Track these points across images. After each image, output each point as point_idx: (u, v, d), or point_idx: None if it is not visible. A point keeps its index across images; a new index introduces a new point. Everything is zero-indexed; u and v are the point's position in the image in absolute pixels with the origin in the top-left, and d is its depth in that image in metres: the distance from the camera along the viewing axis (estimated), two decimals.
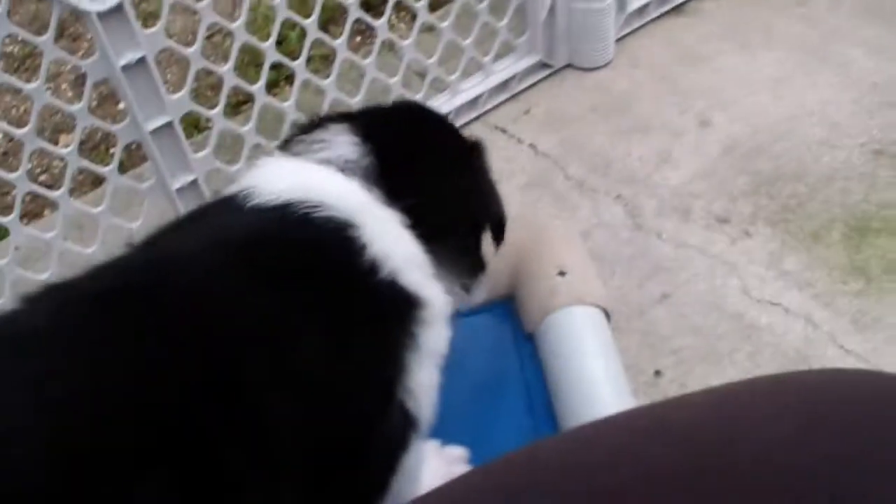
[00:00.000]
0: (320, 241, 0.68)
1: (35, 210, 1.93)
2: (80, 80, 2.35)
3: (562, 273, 1.06)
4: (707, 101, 1.85)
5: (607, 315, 1.05)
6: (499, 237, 0.93)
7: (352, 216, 0.69)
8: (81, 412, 0.53)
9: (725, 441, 0.52)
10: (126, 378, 0.56)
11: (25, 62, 2.44)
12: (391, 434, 0.71)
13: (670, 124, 1.80)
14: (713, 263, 1.51)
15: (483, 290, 0.93)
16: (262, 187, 0.71)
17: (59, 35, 2.48)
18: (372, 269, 0.68)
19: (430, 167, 0.84)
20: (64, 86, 2.37)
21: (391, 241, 0.72)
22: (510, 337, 1.08)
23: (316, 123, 0.85)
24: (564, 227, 1.14)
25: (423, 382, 0.72)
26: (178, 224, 0.75)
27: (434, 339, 0.73)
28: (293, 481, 0.62)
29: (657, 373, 1.36)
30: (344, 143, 0.80)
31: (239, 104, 2.09)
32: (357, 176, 0.76)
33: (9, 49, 2.49)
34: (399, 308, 0.70)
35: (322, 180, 0.75)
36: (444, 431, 0.98)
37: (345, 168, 0.77)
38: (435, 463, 0.93)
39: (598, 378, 0.98)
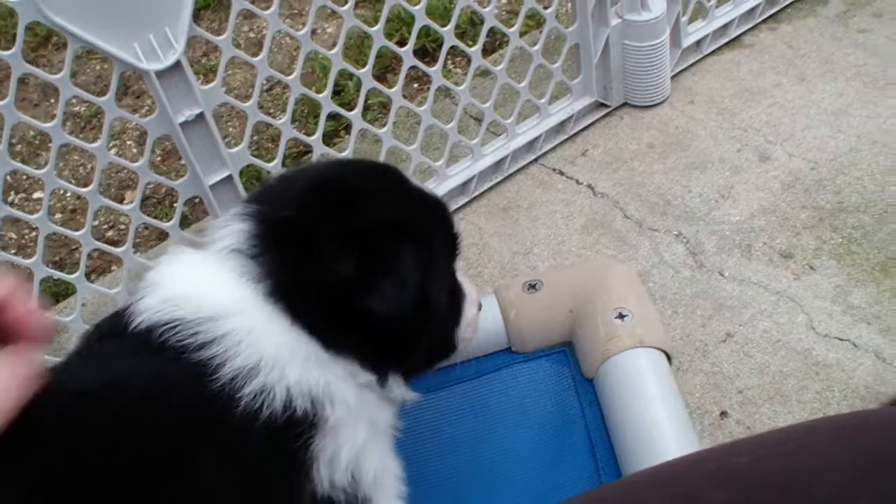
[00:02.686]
0: (173, 375, 0.63)
1: (102, 266, 1.97)
2: (144, 137, 2.40)
3: (621, 316, 1.05)
4: (766, 136, 1.83)
5: (668, 357, 1.04)
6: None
7: (216, 329, 0.65)
8: None
9: (786, 490, 0.51)
10: None
11: (91, 121, 2.51)
12: None
13: (729, 160, 1.79)
14: (777, 300, 1.49)
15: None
16: (143, 306, 0.67)
17: (124, 93, 2.54)
18: (235, 388, 0.63)
19: (340, 244, 0.75)
20: (129, 142, 2.43)
21: (269, 345, 0.66)
22: (570, 382, 1.07)
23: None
24: (623, 267, 1.13)
25: (364, 467, 0.70)
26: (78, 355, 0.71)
27: (348, 436, 0.69)
28: None
29: (723, 414, 1.34)
30: (234, 231, 0.74)
31: (300, 154, 2.12)
32: (242, 269, 0.71)
33: (75, 109, 2.56)
34: (281, 422, 0.64)
35: (196, 285, 0.70)
36: (508, 474, 0.98)
37: (232, 260, 0.72)
38: None
39: (659, 422, 0.97)
